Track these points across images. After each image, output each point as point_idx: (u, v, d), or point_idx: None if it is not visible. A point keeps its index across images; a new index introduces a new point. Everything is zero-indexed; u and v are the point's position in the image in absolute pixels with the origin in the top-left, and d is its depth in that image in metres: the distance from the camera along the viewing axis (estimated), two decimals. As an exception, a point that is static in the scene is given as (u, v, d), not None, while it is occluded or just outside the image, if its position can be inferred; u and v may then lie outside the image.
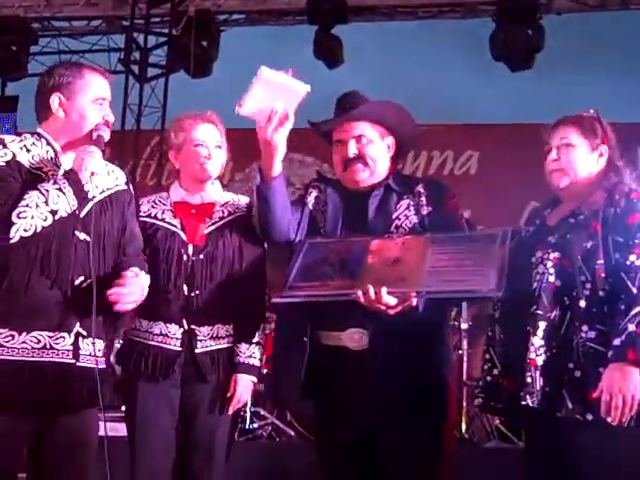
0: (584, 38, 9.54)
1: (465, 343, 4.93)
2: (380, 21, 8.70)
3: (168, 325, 2.84)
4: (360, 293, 2.41)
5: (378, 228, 2.66)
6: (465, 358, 4.99)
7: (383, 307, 2.40)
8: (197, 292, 2.84)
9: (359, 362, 2.56)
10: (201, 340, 2.85)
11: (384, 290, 2.38)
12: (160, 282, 2.82)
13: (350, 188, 2.77)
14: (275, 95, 2.52)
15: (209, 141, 2.96)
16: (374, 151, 2.73)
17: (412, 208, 2.68)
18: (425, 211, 2.67)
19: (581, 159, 2.58)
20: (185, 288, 2.84)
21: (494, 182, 7.78)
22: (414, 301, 2.40)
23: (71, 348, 2.45)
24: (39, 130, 2.56)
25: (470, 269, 2.41)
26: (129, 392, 2.83)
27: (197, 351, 2.84)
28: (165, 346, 2.84)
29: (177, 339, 2.84)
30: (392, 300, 2.39)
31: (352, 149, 2.72)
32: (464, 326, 4.94)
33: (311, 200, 2.85)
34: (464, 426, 4.84)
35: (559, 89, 9.49)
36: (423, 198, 2.69)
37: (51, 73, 2.56)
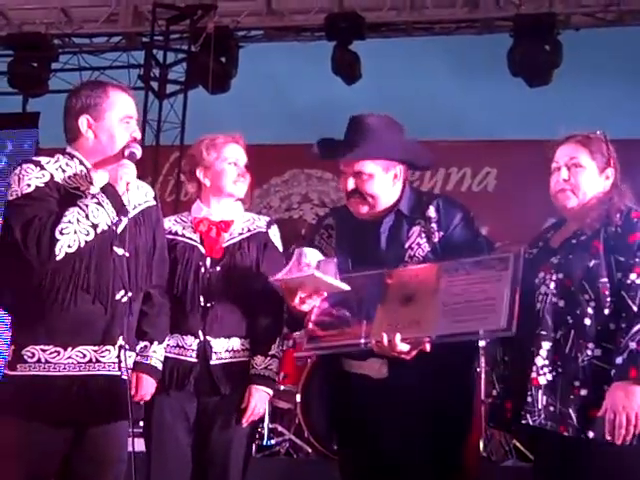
0: (602, 53, 9.51)
1: (483, 361, 4.91)
2: (397, 37, 8.72)
3: (184, 337, 2.88)
4: (374, 342, 2.43)
5: (391, 258, 2.65)
6: (483, 376, 4.97)
7: (397, 354, 2.42)
8: (213, 303, 2.87)
9: (380, 391, 2.57)
10: (216, 352, 2.88)
11: (397, 338, 2.40)
12: (177, 294, 2.85)
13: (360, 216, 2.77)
14: (315, 286, 2.55)
15: (240, 161, 3.02)
16: (374, 186, 2.70)
17: (424, 235, 2.66)
18: (436, 238, 2.65)
19: (590, 181, 2.59)
20: (202, 299, 2.87)
21: (512, 199, 7.75)
22: (427, 347, 2.41)
23: (116, 361, 2.52)
24: (69, 150, 2.62)
25: (482, 304, 2.41)
26: (145, 405, 2.85)
27: (212, 362, 2.87)
28: (181, 358, 2.87)
29: (193, 350, 2.87)
30: (405, 347, 2.42)
31: (350, 184, 2.71)
32: (481, 344, 4.90)
33: (318, 239, 2.84)
34: (482, 444, 4.81)
35: (576, 105, 9.46)
36: (434, 224, 2.66)
37: (77, 94, 2.63)
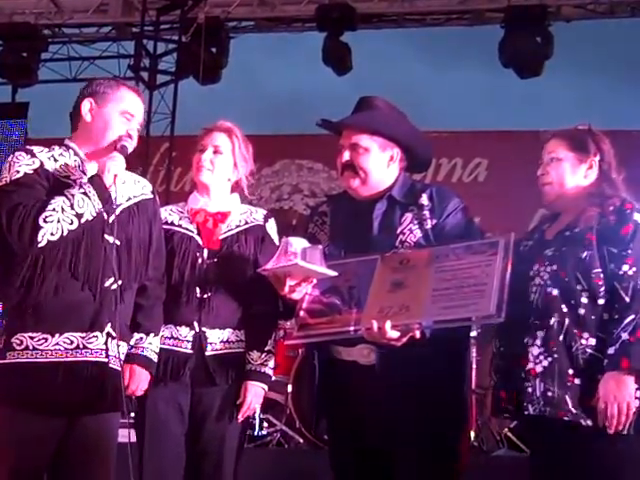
0: (592, 45, 9.55)
1: (474, 351, 4.92)
2: (389, 28, 8.72)
3: (178, 328, 2.88)
4: (364, 329, 2.43)
5: (382, 244, 2.64)
6: (474, 366, 4.98)
7: (387, 341, 2.42)
8: (209, 295, 2.87)
9: (368, 377, 2.57)
10: (211, 343, 2.88)
11: (387, 325, 2.39)
12: (173, 285, 2.85)
13: (355, 200, 2.76)
14: (302, 274, 2.56)
15: (208, 148, 3.00)
16: (367, 161, 2.70)
17: (416, 221, 2.66)
18: (429, 225, 2.64)
19: (567, 172, 2.62)
20: (197, 290, 2.87)
21: (503, 189, 7.78)
22: (417, 333, 2.42)
23: (104, 347, 2.53)
24: (66, 141, 2.67)
25: (472, 289, 2.40)
26: (139, 397, 2.83)
27: (207, 354, 2.87)
28: (176, 349, 2.86)
29: (188, 342, 2.87)
30: (395, 334, 2.41)
31: (345, 156, 2.72)
32: (473, 333, 4.92)
33: (312, 226, 2.85)
34: (473, 434, 4.84)
35: (567, 96, 9.49)
36: (426, 212, 2.66)
37: (91, 83, 2.72)
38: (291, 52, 9.96)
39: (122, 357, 2.60)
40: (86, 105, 2.64)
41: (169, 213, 3.02)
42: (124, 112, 2.64)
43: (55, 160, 2.59)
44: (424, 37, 9.15)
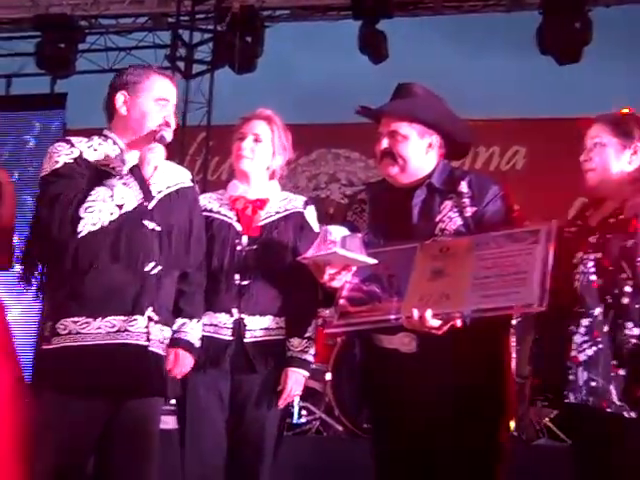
0: (632, 30, 9.38)
1: (513, 339, 4.88)
2: (425, 15, 8.65)
3: (218, 315, 2.89)
4: (404, 318, 2.43)
5: (422, 232, 2.62)
6: (514, 355, 4.94)
7: (428, 329, 2.41)
8: (249, 281, 2.88)
9: (409, 365, 2.56)
10: (251, 330, 2.89)
11: (428, 313, 2.38)
12: (213, 271, 2.87)
13: (393, 187, 2.75)
14: (342, 262, 2.55)
15: (247, 136, 3.00)
16: (406, 149, 2.68)
17: (455, 209, 2.63)
18: (469, 212, 2.62)
19: (611, 157, 2.57)
20: (237, 277, 2.88)
21: (541, 177, 7.69)
22: (458, 322, 2.40)
23: (145, 331, 2.55)
24: (105, 132, 2.69)
25: (513, 278, 2.37)
26: (181, 383, 2.86)
27: (246, 341, 2.88)
28: (215, 336, 2.88)
29: (227, 328, 2.89)
30: (436, 322, 2.39)
31: (383, 144, 2.70)
32: (513, 322, 4.88)
33: (350, 214, 2.84)
34: (512, 423, 4.80)
35: (607, 82, 9.34)
36: (466, 199, 2.63)
37: (121, 74, 2.72)
38: (326, 41, 9.92)
39: (165, 341, 2.63)
40: (120, 98, 2.65)
41: (208, 200, 3.04)
42: (158, 99, 2.65)
43: (94, 150, 2.63)
44: (461, 23, 9.05)
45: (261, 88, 8.76)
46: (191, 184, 2.79)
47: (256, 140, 3.02)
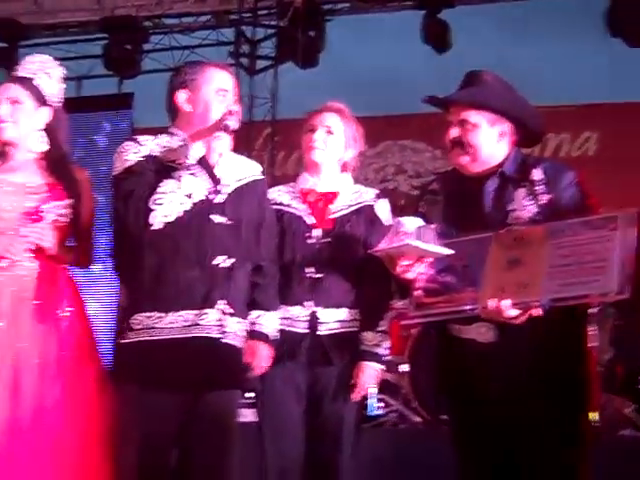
0: None
1: (594, 327, 4.78)
2: (488, 3, 8.53)
3: (292, 308, 2.90)
4: (481, 308, 2.40)
5: (495, 221, 2.58)
6: (595, 343, 4.84)
7: (505, 319, 2.37)
8: (322, 274, 2.88)
9: (486, 355, 2.53)
10: (325, 322, 2.89)
11: (506, 303, 2.35)
12: (285, 265, 2.87)
13: (465, 177, 2.71)
14: (416, 254, 2.53)
15: (319, 127, 3.00)
16: (477, 137, 2.65)
17: (529, 197, 2.58)
18: (543, 200, 2.57)
19: None
20: (310, 270, 2.89)
21: (614, 163, 7.52)
22: (537, 311, 2.36)
23: (217, 324, 2.58)
24: (170, 129, 2.74)
25: (592, 266, 2.32)
26: (259, 376, 2.87)
27: (321, 333, 2.88)
28: (290, 329, 2.89)
29: (302, 322, 2.89)
30: (514, 312, 2.36)
31: (453, 133, 2.67)
32: (592, 310, 4.79)
33: (422, 204, 2.80)
34: (595, 413, 4.71)
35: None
36: (541, 186, 2.58)
37: (177, 72, 2.77)
38: (387, 32, 9.85)
39: (242, 334, 2.65)
40: (181, 96, 2.69)
41: (278, 194, 3.04)
42: (218, 90, 2.69)
43: (161, 146, 2.68)
44: (524, 10, 8.89)
45: (324, 82, 8.75)
46: (261, 177, 2.81)
47: (328, 132, 3.02)
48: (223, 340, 2.59)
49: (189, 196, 2.54)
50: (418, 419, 5.02)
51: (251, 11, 8.55)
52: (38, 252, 2.72)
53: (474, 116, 2.65)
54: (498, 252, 2.49)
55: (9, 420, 2.51)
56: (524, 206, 2.59)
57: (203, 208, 2.58)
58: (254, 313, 2.76)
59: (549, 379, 2.48)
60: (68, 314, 2.73)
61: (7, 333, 2.63)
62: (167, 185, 2.54)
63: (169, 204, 2.53)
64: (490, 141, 2.67)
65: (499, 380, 2.51)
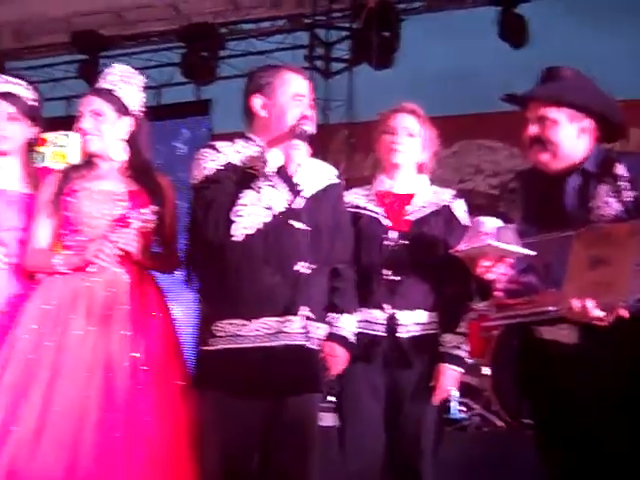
0: None
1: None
2: (564, -4, 8.36)
3: (370, 311, 2.90)
4: (565, 309, 2.36)
5: (577, 219, 2.53)
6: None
7: (591, 320, 2.33)
8: (400, 277, 2.87)
9: (570, 357, 2.49)
10: (404, 325, 2.88)
11: (590, 303, 2.31)
12: (362, 268, 2.88)
13: (545, 174, 2.67)
14: (496, 254, 2.51)
15: (399, 129, 2.99)
16: (557, 134, 2.60)
17: (613, 194, 2.52)
18: (628, 196, 2.51)
19: None
20: (388, 273, 2.88)
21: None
22: (624, 311, 2.30)
23: (301, 330, 2.60)
24: (247, 134, 2.75)
25: None
26: (338, 380, 2.89)
27: (400, 336, 2.88)
28: (369, 332, 2.89)
29: (380, 324, 2.89)
30: (600, 313, 2.31)
31: (532, 130, 2.63)
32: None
33: (503, 204, 2.78)
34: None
35: None
36: (625, 183, 2.52)
37: (251, 77, 2.77)
38: (463, 29, 9.74)
39: (321, 338, 2.67)
40: (257, 102, 2.70)
41: (355, 196, 3.05)
42: (295, 95, 2.69)
43: (238, 153, 2.69)
44: (599, 2, 8.70)
45: (399, 82, 8.71)
46: (337, 181, 2.82)
47: (409, 134, 3.01)
48: (307, 346, 2.61)
49: (269, 208, 2.57)
50: (500, 423, 4.96)
51: (325, 14, 8.58)
52: (125, 258, 2.78)
53: (554, 112, 2.62)
54: (581, 251, 2.44)
55: (101, 422, 2.57)
56: (607, 203, 2.54)
57: (283, 215, 2.60)
58: (333, 316, 2.78)
59: (635, 384, 2.42)
60: (157, 319, 2.78)
61: (98, 337, 2.69)
62: (247, 197, 2.56)
63: (249, 216, 2.55)
64: (570, 137, 2.63)
65: (584, 384, 2.46)
